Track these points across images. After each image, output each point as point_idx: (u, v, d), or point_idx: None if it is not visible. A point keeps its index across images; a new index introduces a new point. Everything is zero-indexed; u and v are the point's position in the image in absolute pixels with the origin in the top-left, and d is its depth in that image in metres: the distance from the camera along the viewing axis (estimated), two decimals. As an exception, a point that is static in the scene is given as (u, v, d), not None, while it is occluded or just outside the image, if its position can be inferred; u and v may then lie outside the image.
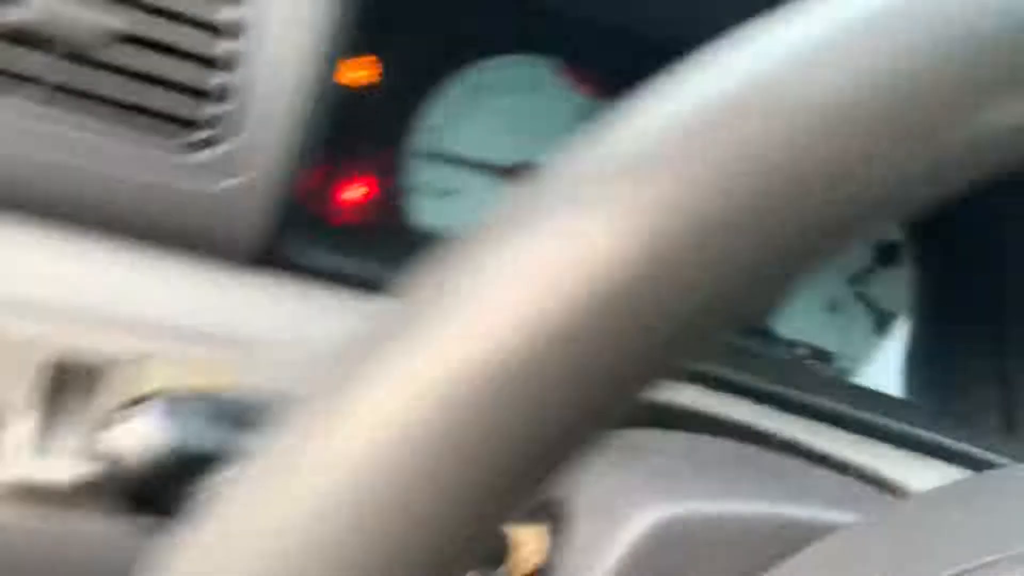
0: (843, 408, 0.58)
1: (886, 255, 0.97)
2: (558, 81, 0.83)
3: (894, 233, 0.96)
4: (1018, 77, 0.14)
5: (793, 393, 0.53)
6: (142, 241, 0.36)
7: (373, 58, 0.76)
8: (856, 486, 0.44)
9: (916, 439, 0.59)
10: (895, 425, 0.59)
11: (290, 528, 0.12)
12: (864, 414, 0.59)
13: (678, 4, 0.72)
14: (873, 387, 0.93)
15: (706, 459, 0.38)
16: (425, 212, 0.82)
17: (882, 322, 0.96)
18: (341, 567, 0.12)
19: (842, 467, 0.50)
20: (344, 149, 0.76)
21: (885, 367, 0.97)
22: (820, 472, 0.44)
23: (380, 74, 0.76)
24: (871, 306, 0.96)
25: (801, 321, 0.93)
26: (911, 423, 0.62)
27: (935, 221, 0.96)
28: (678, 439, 0.38)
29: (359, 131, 0.77)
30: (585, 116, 0.85)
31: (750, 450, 0.41)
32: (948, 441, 0.61)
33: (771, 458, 0.42)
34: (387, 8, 0.69)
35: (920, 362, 0.96)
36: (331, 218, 0.78)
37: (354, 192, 0.78)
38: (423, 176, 0.81)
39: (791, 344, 0.90)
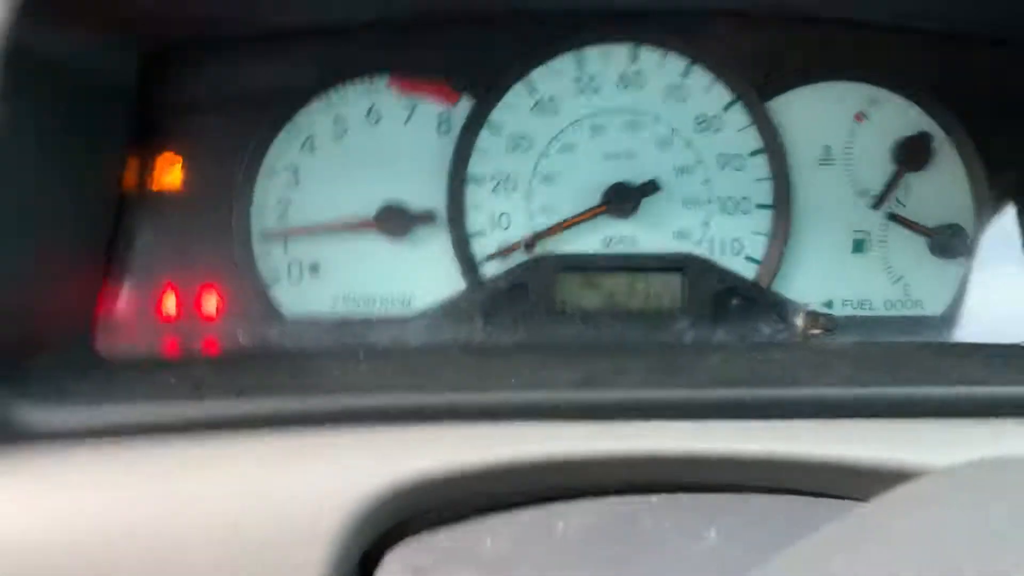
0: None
1: (914, 154, 0.72)
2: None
3: (917, 122, 0.71)
4: None
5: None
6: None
7: (175, 155, 0.69)
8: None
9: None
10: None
11: None
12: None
13: None
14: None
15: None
16: (288, 297, 0.71)
17: (940, 242, 0.70)
18: None
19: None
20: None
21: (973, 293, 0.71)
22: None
23: (184, 171, 0.69)
24: (914, 227, 0.71)
25: (817, 278, 0.71)
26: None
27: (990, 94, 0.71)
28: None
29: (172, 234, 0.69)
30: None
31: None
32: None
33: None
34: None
35: None
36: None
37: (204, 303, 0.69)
38: (278, 260, 0.71)
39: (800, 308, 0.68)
